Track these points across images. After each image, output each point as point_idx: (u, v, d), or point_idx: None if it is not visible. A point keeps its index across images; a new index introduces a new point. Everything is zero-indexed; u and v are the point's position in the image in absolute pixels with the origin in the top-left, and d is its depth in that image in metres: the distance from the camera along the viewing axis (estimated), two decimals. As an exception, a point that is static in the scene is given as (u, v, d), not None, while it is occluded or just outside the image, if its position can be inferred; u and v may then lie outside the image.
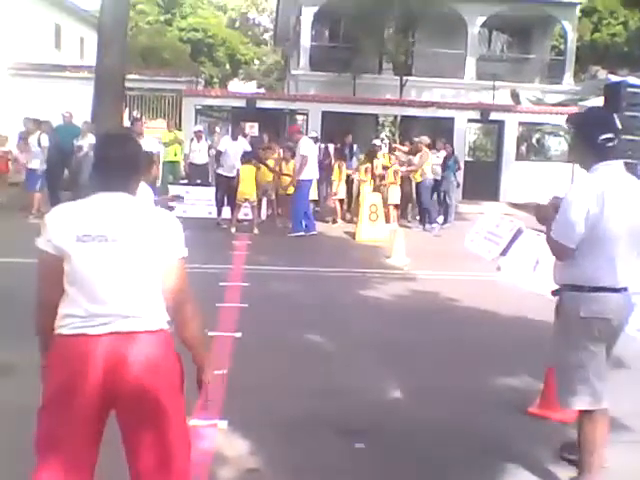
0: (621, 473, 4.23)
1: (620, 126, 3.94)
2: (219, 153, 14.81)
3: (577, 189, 3.83)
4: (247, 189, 14.05)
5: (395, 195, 15.84)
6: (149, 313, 2.75)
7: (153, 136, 15.95)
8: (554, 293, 4.06)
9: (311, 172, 14.13)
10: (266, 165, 14.95)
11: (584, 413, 3.93)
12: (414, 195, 16.46)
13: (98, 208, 2.78)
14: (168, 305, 2.81)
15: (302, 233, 13.71)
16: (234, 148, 14.39)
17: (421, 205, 16.10)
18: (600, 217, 3.71)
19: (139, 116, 20.90)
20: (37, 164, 14.88)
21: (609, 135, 3.84)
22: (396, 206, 15.93)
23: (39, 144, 14.85)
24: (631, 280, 3.88)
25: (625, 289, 3.85)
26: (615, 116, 4.06)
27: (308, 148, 14.07)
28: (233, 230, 13.79)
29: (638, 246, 3.90)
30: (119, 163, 2.83)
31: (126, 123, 18.94)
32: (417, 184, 15.96)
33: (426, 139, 16.21)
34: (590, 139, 3.91)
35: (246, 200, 14.13)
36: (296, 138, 14.33)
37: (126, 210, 2.78)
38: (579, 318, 3.79)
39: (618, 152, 3.93)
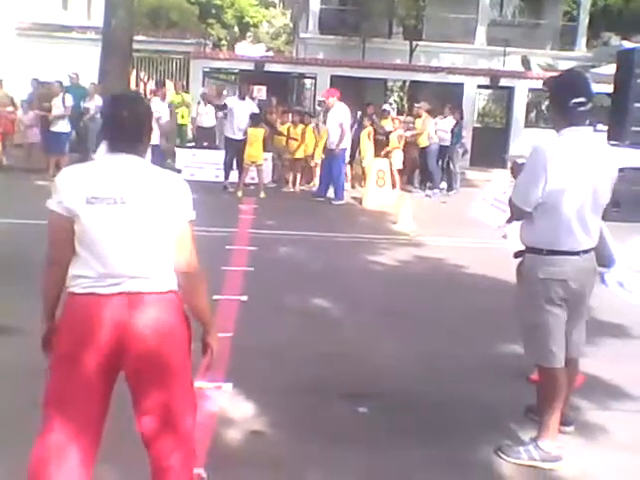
0: (624, 441, 4.27)
1: (593, 91, 3.91)
2: (224, 107, 14.67)
3: (537, 152, 3.81)
4: (255, 152, 13.98)
5: (398, 160, 15.78)
6: (158, 274, 2.76)
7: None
8: (516, 255, 4.08)
9: (347, 140, 14.10)
10: (275, 129, 14.87)
11: (543, 372, 3.98)
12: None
13: (107, 170, 2.78)
14: (175, 268, 2.82)
15: (322, 199, 13.81)
16: (241, 109, 14.16)
17: (426, 170, 16.07)
18: (560, 182, 3.70)
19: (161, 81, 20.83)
20: (63, 126, 14.76)
21: (581, 99, 3.79)
22: (399, 171, 15.85)
23: (63, 104, 14.72)
24: (593, 242, 3.90)
25: (585, 251, 3.86)
26: (589, 80, 4.04)
27: (345, 116, 13.93)
28: (240, 194, 13.78)
29: (601, 210, 3.91)
30: (128, 124, 2.81)
31: (133, 85, 18.88)
32: (422, 149, 15.91)
33: (426, 104, 16.14)
34: (562, 102, 3.87)
35: (253, 163, 14.07)
36: (330, 104, 14.00)
37: (135, 172, 2.78)
38: (538, 279, 3.83)
39: (590, 117, 3.89)
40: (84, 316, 2.70)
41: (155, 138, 13.45)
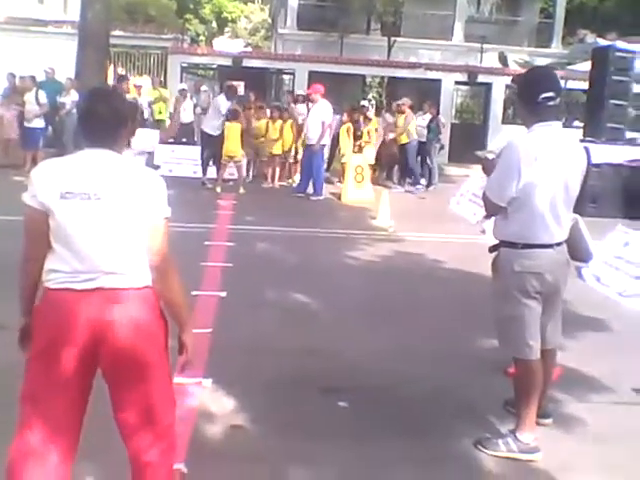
0: (602, 433, 4.32)
1: (562, 85, 3.96)
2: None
3: (510, 149, 3.83)
4: (233, 147, 13.94)
5: (370, 155, 15.79)
6: (134, 270, 2.74)
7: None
8: (491, 250, 4.11)
9: (327, 137, 14.13)
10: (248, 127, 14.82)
11: (519, 365, 4.01)
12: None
13: (82, 165, 2.75)
14: (149, 265, 2.80)
15: (302, 195, 13.80)
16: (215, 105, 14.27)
17: (407, 166, 16.11)
18: (533, 177, 3.74)
19: (125, 74, 20.63)
20: (38, 122, 14.65)
21: (550, 94, 3.82)
22: (371, 166, 15.81)
23: (37, 102, 14.60)
24: (565, 235, 3.97)
25: (559, 244, 3.92)
26: (557, 75, 4.08)
27: (328, 113, 13.93)
28: (218, 189, 13.74)
29: (572, 203, 3.96)
30: (104, 118, 2.78)
31: (110, 80, 18.72)
32: (402, 145, 15.95)
33: (408, 100, 16.17)
34: (531, 98, 3.90)
35: (231, 159, 14.02)
36: (315, 99, 13.97)
37: (110, 168, 2.75)
38: (513, 272, 3.86)
39: (559, 112, 3.96)
40: (59, 312, 2.68)
41: None
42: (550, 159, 3.78)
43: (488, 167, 4.21)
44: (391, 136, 16.31)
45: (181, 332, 2.97)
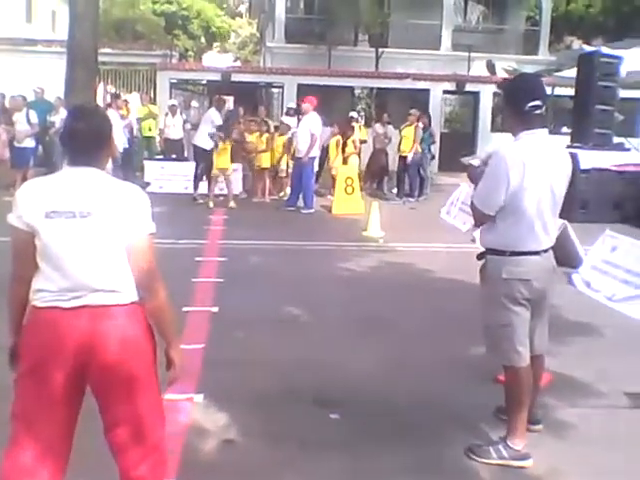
0: (593, 438, 4.34)
1: (547, 93, 4.02)
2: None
3: (498, 158, 3.86)
4: (223, 161, 14.02)
5: (354, 164, 15.76)
6: (121, 287, 2.76)
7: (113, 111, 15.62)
8: (479, 257, 4.14)
9: (316, 149, 14.14)
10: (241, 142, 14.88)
11: (508, 372, 4.04)
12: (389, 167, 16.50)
13: (66, 184, 2.77)
14: (135, 282, 2.82)
15: (293, 209, 13.82)
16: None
17: (407, 178, 16.12)
18: (521, 186, 3.78)
19: (117, 91, 20.69)
20: (27, 141, 14.65)
21: (536, 103, 3.87)
22: (359, 176, 15.69)
23: (28, 121, 14.59)
24: (552, 242, 4.02)
25: (545, 251, 3.97)
26: (543, 82, 4.14)
27: (318, 126, 13.95)
28: (211, 204, 13.76)
29: (558, 209, 4.02)
30: (86, 137, 2.80)
31: (100, 98, 18.76)
32: (404, 157, 15.93)
33: (416, 112, 16.14)
34: (518, 106, 3.93)
35: (223, 173, 14.07)
36: (306, 111, 13.98)
37: (94, 185, 2.77)
38: (501, 280, 3.90)
39: (545, 120, 4.02)
40: (46, 330, 2.70)
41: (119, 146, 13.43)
42: (537, 167, 3.82)
43: (473, 174, 4.26)
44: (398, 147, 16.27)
45: (168, 348, 2.98)
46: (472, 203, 4.03)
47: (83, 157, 2.80)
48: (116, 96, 16.28)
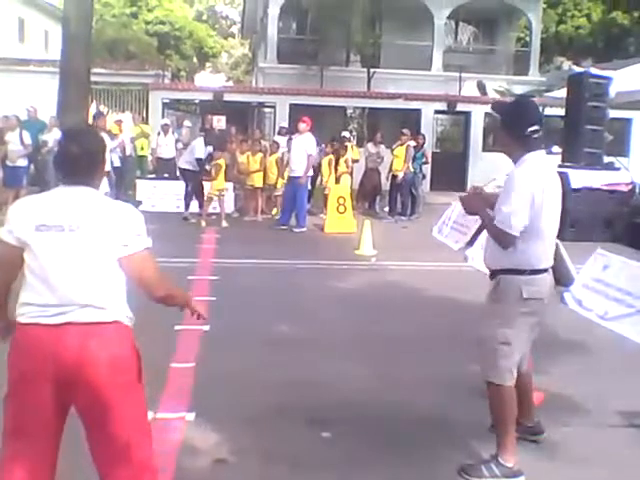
0: (585, 456, 4.33)
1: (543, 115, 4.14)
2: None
3: (521, 180, 3.90)
4: (219, 184, 14.18)
5: (346, 183, 15.81)
6: (106, 304, 2.76)
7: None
8: (492, 277, 4.16)
9: (310, 168, 14.25)
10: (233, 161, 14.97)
11: (494, 390, 4.05)
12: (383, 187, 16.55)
13: (57, 200, 2.82)
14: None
15: (286, 227, 13.85)
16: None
17: (401, 197, 16.19)
18: (541, 206, 3.86)
19: (104, 111, 20.67)
20: (20, 161, 14.64)
21: (536, 127, 3.96)
22: (352, 195, 15.75)
23: (22, 142, 14.57)
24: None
25: (549, 268, 4.07)
26: (539, 106, 4.23)
27: (313, 146, 14.07)
28: (203, 224, 13.77)
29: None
30: (79, 159, 2.84)
31: (92, 117, 18.76)
32: (395, 176, 16.00)
33: (408, 131, 16.27)
34: (518, 130, 4.00)
35: (219, 192, 14.20)
36: (303, 130, 14.04)
37: (85, 202, 2.80)
38: (521, 299, 3.93)
39: (542, 142, 4.09)
40: (28, 347, 2.71)
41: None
42: (550, 186, 3.94)
43: (476, 202, 4.26)
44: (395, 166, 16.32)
45: (189, 306, 3.23)
46: (493, 227, 3.98)
47: (76, 177, 2.84)
48: (98, 115, 16.08)
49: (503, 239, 3.95)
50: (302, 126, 14.01)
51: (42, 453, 2.76)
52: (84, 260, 2.73)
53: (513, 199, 3.86)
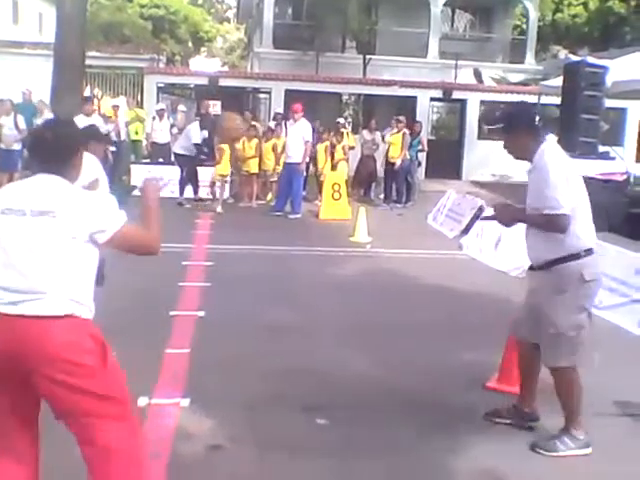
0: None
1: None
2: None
3: (552, 164, 4.03)
4: (223, 169, 14.31)
5: (343, 170, 15.84)
6: (58, 294, 2.71)
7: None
8: (544, 267, 4.18)
9: (306, 155, 14.21)
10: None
11: (565, 374, 4.19)
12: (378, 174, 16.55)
13: (26, 185, 2.85)
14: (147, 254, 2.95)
15: (280, 213, 13.82)
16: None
17: (395, 184, 16.19)
18: (575, 186, 4.03)
19: (99, 95, 20.57)
20: (16, 146, 14.57)
21: (538, 116, 4.29)
22: (347, 182, 15.75)
23: (16, 127, 14.49)
24: None
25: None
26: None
27: (309, 132, 14.03)
28: (219, 209, 13.89)
29: None
30: (49, 147, 2.87)
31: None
32: (391, 163, 16.00)
33: (403, 119, 16.25)
34: (527, 126, 4.21)
35: (223, 178, 14.28)
36: (297, 118, 14.01)
37: (52, 188, 2.80)
38: (583, 282, 4.04)
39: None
40: None
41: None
42: (574, 167, 4.12)
43: (512, 212, 4.43)
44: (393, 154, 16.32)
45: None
46: (544, 217, 4.04)
47: (48, 165, 2.86)
48: (85, 100, 15.85)
49: (559, 223, 4.00)
50: (297, 114, 13.98)
51: (19, 444, 2.81)
52: (41, 245, 2.71)
53: (552, 183, 3.97)
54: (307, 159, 14.51)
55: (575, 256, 4.03)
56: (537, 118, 4.19)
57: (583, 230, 4.06)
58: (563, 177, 3.98)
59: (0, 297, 2.69)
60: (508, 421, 4.55)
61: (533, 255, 4.29)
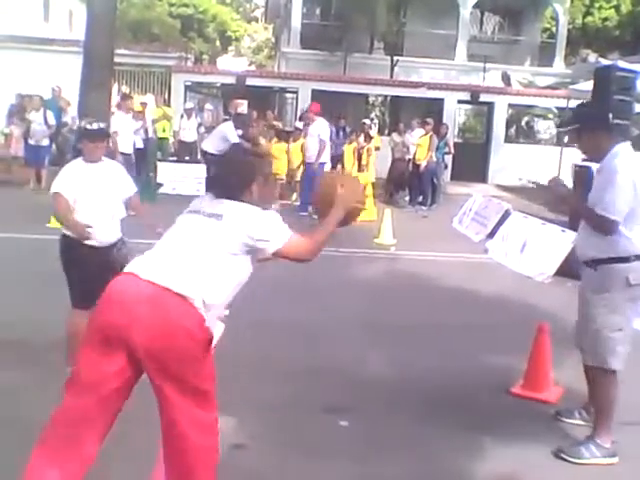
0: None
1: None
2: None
3: (622, 168, 4.03)
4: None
5: (371, 173, 15.83)
6: (194, 285, 2.93)
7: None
8: (590, 264, 4.20)
9: (326, 155, 14.08)
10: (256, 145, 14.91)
11: (608, 375, 4.16)
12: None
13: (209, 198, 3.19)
14: None
15: (306, 214, 13.77)
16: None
17: (422, 186, 16.16)
18: (638, 194, 4.02)
19: (127, 93, 20.69)
20: (45, 141, 14.72)
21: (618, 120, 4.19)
22: (372, 184, 15.75)
23: (46, 122, 14.64)
24: None
25: None
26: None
27: (327, 132, 13.96)
28: None
29: None
30: (220, 184, 3.25)
31: (114, 99, 18.80)
32: (417, 165, 15.99)
33: (431, 121, 16.23)
34: (604, 124, 4.30)
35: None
36: (313, 119, 13.96)
37: (227, 201, 3.12)
38: (628, 286, 4.04)
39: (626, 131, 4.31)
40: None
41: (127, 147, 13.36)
42: None
43: (566, 191, 4.45)
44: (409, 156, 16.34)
45: None
46: (594, 214, 4.09)
47: (221, 194, 3.16)
48: (125, 97, 16.12)
49: (607, 226, 4.05)
50: (311, 117, 13.95)
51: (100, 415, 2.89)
52: (201, 243, 2.99)
53: (616, 187, 3.99)
54: (328, 159, 14.42)
55: (624, 259, 4.05)
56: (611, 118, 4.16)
57: (638, 235, 4.06)
58: (629, 184, 3.99)
59: (144, 265, 2.89)
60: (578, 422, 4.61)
61: (580, 249, 4.33)
